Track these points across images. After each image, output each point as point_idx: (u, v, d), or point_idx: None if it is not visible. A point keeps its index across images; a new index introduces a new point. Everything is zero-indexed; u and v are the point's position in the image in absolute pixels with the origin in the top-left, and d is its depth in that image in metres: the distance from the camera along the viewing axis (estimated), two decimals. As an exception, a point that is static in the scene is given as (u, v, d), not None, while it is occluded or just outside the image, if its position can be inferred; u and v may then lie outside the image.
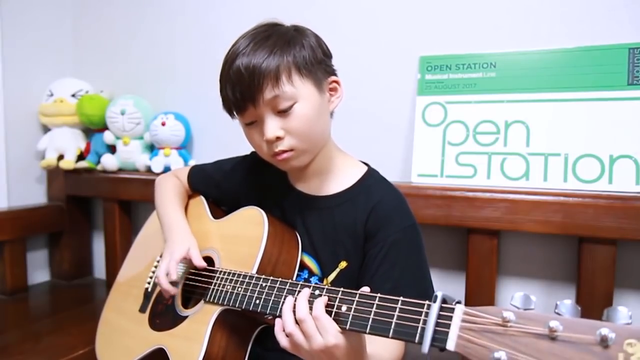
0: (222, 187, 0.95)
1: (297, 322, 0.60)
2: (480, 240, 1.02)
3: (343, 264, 0.78)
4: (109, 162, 1.47)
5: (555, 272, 1.05)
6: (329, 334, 0.57)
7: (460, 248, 1.12)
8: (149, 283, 0.95)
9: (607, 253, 0.93)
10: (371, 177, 0.82)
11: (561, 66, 1.00)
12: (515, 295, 0.46)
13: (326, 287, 0.62)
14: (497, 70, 1.06)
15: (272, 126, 0.71)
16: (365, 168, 0.83)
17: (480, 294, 1.03)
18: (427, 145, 1.09)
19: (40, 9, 1.59)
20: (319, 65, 0.74)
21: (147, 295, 0.93)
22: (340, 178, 0.81)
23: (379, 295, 0.56)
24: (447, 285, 1.15)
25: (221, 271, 0.78)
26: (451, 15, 1.12)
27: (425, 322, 0.50)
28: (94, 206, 1.69)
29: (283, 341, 0.61)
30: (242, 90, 0.70)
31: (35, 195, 1.62)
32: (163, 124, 1.39)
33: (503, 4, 1.07)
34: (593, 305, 0.94)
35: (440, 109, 1.10)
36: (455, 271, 1.14)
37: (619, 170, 0.93)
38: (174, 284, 0.80)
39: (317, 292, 0.62)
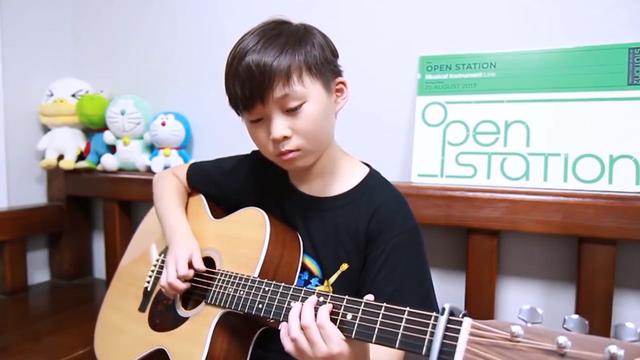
0: (221, 186, 0.94)
1: (302, 328, 0.60)
2: (480, 240, 1.02)
3: (344, 266, 0.78)
4: (109, 162, 1.47)
5: (555, 272, 1.05)
6: (333, 342, 0.57)
7: (460, 248, 1.12)
8: (148, 282, 0.95)
9: (607, 253, 0.93)
10: (373, 179, 0.82)
11: (561, 66, 1.00)
12: (523, 309, 0.46)
13: (330, 294, 0.62)
14: (497, 70, 1.06)
15: (280, 125, 0.70)
16: (367, 169, 0.83)
17: (480, 294, 1.03)
18: (427, 145, 1.09)
19: (40, 9, 1.59)
20: (328, 65, 0.74)
21: (146, 294, 0.93)
22: (342, 180, 0.81)
23: (384, 304, 0.56)
24: (447, 285, 1.15)
25: (222, 273, 0.78)
26: (451, 15, 1.12)
27: (432, 334, 0.50)
28: (94, 206, 1.70)
29: (288, 345, 0.61)
30: (251, 87, 0.69)
31: (35, 195, 1.62)
32: (163, 124, 1.39)
33: (503, 4, 1.07)
34: (593, 305, 0.94)
35: (440, 109, 1.10)
36: (455, 271, 1.14)
37: (619, 170, 0.93)
38: (185, 281, 0.80)
39: (321, 298, 0.62)
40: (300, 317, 0.60)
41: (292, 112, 0.70)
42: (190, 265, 0.81)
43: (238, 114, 0.76)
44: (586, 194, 0.92)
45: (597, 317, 0.93)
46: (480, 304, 1.03)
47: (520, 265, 1.09)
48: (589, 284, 0.94)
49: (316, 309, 0.60)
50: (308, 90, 0.70)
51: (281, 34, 0.71)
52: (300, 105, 0.70)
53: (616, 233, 0.89)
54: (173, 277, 0.79)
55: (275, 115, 0.71)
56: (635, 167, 0.92)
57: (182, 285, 0.80)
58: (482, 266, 1.02)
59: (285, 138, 0.71)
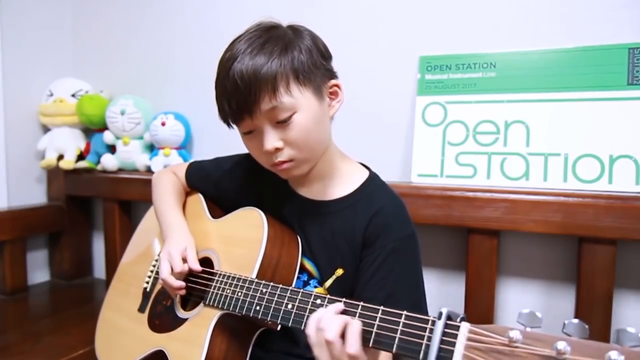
0: (220, 186, 0.93)
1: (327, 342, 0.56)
2: (480, 240, 1.02)
3: (339, 272, 0.77)
4: (109, 162, 1.47)
5: (555, 272, 1.05)
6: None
7: (460, 248, 1.12)
8: (147, 282, 0.95)
9: (607, 253, 0.93)
10: (373, 183, 0.80)
11: (561, 66, 1.00)
12: (522, 313, 0.45)
13: (328, 297, 0.61)
14: (497, 70, 1.05)
15: (271, 138, 0.69)
16: (367, 173, 0.82)
17: (480, 294, 1.03)
18: (427, 145, 1.09)
19: (40, 9, 1.59)
20: (317, 70, 0.71)
21: (145, 294, 0.93)
22: (341, 183, 0.80)
23: (381, 308, 0.56)
24: (447, 285, 1.15)
25: (221, 274, 0.78)
26: (451, 15, 1.12)
27: (429, 338, 0.49)
28: (94, 206, 1.69)
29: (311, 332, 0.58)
30: (238, 101, 0.68)
31: (35, 195, 1.62)
32: (163, 124, 1.39)
33: (503, 4, 1.07)
34: (593, 305, 0.94)
35: (440, 109, 1.10)
36: (455, 271, 1.14)
37: (619, 170, 0.93)
38: (179, 279, 0.79)
39: (318, 301, 0.62)
40: (322, 327, 0.57)
41: (282, 123, 0.69)
42: (185, 262, 0.80)
43: (229, 127, 0.75)
44: (586, 194, 0.92)
45: (597, 317, 0.93)
46: (480, 304, 1.02)
47: (520, 265, 1.09)
48: (589, 284, 0.94)
49: (313, 310, 0.59)
50: (297, 100, 0.68)
51: (267, 42, 0.69)
52: (291, 117, 0.68)
53: (616, 233, 0.89)
54: (167, 273, 0.79)
55: (265, 127, 0.69)
56: (635, 167, 0.92)
57: (177, 283, 0.78)
58: (482, 266, 1.02)
59: (277, 150, 0.70)
